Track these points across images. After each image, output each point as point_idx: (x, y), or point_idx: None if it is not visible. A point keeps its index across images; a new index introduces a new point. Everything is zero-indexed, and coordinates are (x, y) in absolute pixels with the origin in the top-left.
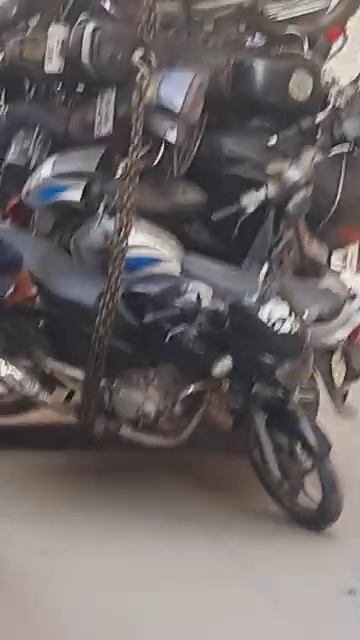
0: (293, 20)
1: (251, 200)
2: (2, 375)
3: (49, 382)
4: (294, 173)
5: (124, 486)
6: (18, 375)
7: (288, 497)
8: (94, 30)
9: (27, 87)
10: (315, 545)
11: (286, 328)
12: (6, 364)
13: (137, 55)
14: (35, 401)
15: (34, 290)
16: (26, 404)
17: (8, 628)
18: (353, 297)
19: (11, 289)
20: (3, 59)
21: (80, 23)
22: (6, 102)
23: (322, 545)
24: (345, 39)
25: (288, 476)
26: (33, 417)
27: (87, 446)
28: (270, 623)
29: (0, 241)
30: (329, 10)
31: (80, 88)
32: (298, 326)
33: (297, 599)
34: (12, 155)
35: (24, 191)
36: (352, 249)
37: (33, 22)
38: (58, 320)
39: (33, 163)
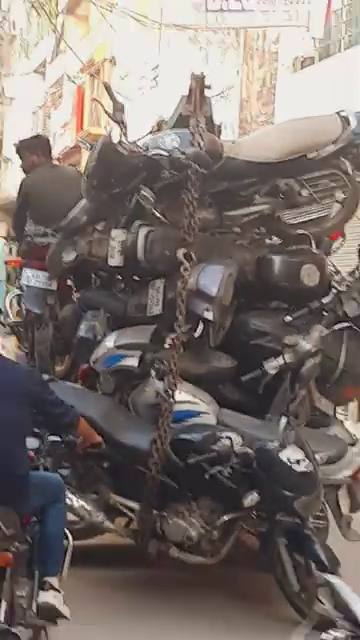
0: (303, 223)
1: (272, 365)
2: (75, 506)
3: (112, 512)
4: (306, 344)
5: (172, 598)
6: (88, 506)
7: (305, 605)
8: (147, 233)
9: (93, 278)
10: None
11: (302, 468)
12: (77, 498)
13: (181, 252)
14: (100, 527)
15: (99, 438)
16: (93, 529)
17: None
18: (355, 442)
19: (80, 439)
20: (76, 256)
21: (136, 227)
22: (77, 290)
23: None
24: (344, 238)
25: (305, 588)
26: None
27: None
28: None
29: (64, 404)
30: (331, 216)
31: (136, 277)
32: (312, 467)
33: None
34: (82, 331)
35: (92, 359)
36: (353, 404)
37: (99, 227)
38: (119, 462)
39: (99, 337)
